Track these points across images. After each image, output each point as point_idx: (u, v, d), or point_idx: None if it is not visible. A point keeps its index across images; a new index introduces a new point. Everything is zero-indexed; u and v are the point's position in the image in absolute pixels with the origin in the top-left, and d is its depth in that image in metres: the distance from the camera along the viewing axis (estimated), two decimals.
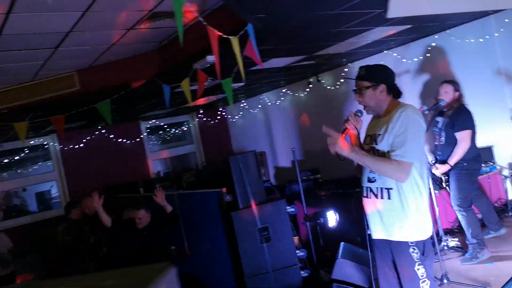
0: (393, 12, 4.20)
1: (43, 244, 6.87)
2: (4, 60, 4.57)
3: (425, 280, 2.49)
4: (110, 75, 5.59)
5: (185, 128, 10.41)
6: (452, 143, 4.48)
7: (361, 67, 2.69)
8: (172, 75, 5.34)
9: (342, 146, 2.46)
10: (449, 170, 4.53)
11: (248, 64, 4.80)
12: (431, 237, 3.38)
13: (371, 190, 2.61)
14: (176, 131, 10.40)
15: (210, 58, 4.66)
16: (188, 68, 4.97)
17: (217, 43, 2.75)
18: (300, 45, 4.97)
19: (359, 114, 2.69)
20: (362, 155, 2.49)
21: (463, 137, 4.41)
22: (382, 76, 2.66)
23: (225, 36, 2.92)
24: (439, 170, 4.56)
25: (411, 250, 2.48)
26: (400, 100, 2.69)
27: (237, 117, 10.34)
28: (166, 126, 10.16)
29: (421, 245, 2.50)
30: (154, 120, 9.80)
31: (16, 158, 8.35)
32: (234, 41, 3.04)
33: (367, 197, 2.64)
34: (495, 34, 5.52)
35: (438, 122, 4.67)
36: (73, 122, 7.28)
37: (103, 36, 4.50)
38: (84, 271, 5.40)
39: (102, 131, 8.89)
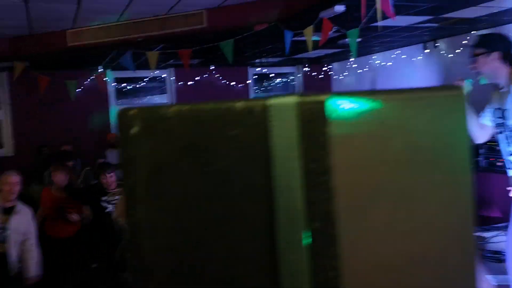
0: None
1: None
2: None
3: None
4: (235, 16, 5.91)
5: (289, 80, 10.66)
6: None
7: (477, 35, 2.81)
8: (295, 22, 5.53)
9: None
10: None
11: (370, 19, 4.86)
12: None
13: None
14: (281, 81, 10.69)
15: (338, 8, 4.78)
16: (313, 16, 5.13)
17: None
18: (432, 3, 4.90)
19: (470, 80, 2.84)
20: None
21: None
22: (496, 44, 2.75)
23: None
24: None
25: None
26: None
27: (342, 76, 10.36)
28: (271, 75, 10.47)
29: None
30: (261, 68, 10.14)
31: (136, 86, 9.18)
32: None
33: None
34: None
35: None
36: (191, 59, 7.82)
37: None
38: None
39: (213, 72, 9.42)
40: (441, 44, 7.69)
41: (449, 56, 7.54)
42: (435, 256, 0.52)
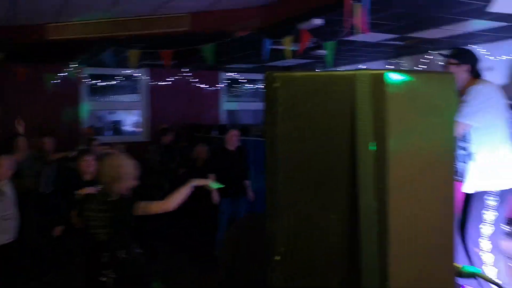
0: (495, 6, 4.55)
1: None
2: None
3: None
4: (218, 22, 6.21)
5: (259, 86, 11.05)
6: None
7: (453, 48, 3.23)
8: (275, 31, 5.90)
9: None
10: None
11: (342, 33, 5.31)
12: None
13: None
14: (250, 87, 11.05)
15: (316, 21, 5.19)
16: (292, 27, 5.52)
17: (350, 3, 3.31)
18: (401, 23, 5.41)
19: None
20: None
21: None
22: (468, 58, 3.17)
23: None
24: None
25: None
26: None
27: None
28: (242, 81, 10.82)
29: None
30: (232, 73, 10.47)
31: (110, 83, 9.27)
32: (356, 7, 3.58)
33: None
34: None
35: None
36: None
37: None
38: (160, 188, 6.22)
39: (187, 74, 9.67)
40: (404, 61, 8.30)
41: None
42: None
